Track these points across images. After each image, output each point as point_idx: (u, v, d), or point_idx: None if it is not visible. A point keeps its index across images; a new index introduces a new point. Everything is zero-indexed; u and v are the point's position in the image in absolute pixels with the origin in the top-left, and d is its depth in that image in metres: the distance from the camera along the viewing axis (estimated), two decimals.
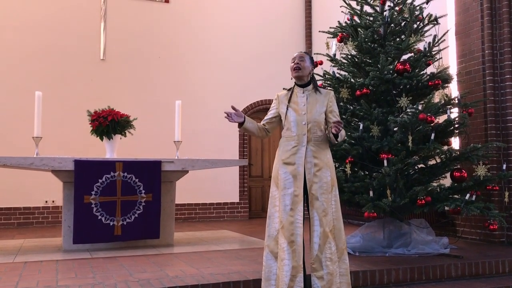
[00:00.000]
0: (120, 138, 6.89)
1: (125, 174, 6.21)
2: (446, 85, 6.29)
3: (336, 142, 4.16)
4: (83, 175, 6.05)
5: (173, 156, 7.44)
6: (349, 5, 6.58)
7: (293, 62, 4.31)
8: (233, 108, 4.20)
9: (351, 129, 6.00)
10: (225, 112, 4.16)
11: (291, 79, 4.41)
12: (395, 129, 5.88)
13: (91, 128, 6.77)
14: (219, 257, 5.60)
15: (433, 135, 5.69)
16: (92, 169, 6.10)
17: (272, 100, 4.48)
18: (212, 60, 11.07)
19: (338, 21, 6.63)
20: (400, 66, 5.92)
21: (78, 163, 6.05)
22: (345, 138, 4.14)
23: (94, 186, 6.07)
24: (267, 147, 11.50)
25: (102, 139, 6.79)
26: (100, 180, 6.10)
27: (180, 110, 6.97)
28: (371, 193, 5.53)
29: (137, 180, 6.25)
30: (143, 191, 6.27)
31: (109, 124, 6.64)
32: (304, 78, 4.33)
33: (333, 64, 6.39)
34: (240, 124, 4.28)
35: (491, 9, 6.98)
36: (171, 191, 6.70)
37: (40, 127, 6.39)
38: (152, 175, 6.32)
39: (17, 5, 9.75)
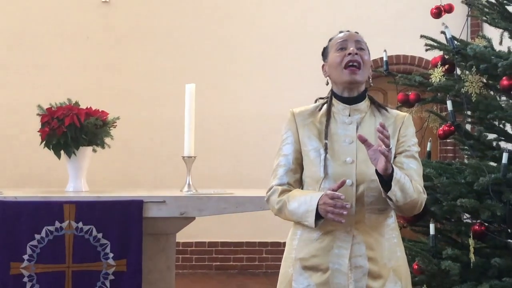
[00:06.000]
0: (95, 151, 4.68)
1: (80, 225, 4.08)
2: None
3: (393, 201, 2.48)
4: (9, 227, 4.07)
5: (181, 182, 4.97)
6: None
7: (342, 50, 2.68)
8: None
9: (486, 160, 4.22)
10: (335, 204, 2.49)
11: (327, 84, 2.80)
12: None
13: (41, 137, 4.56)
14: None
15: None
16: (24, 217, 4.07)
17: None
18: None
19: None
20: None
21: (2, 205, 4.02)
22: (414, 196, 2.48)
23: (28, 247, 4.08)
24: None
25: (59, 157, 4.57)
26: (37, 236, 4.07)
27: (193, 98, 4.51)
28: None
29: (100, 235, 4.12)
30: (112, 255, 4.13)
31: (66, 131, 4.36)
32: (359, 87, 2.73)
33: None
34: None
35: None
36: (167, 252, 4.35)
37: None
38: (127, 226, 4.16)
39: None
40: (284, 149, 2.75)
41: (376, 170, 2.44)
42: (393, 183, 2.41)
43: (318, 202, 2.50)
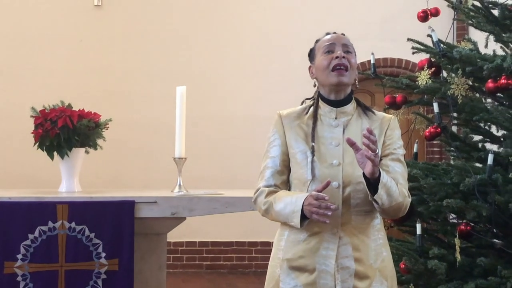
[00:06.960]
0: (87, 152, 4.60)
1: (73, 225, 4.03)
2: None
3: (379, 204, 2.47)
4: (3, 227, 4.02)
5: (172, 183, 4.93)
6: None
7: (330, 53, 2.63)
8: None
9: (472, 161, 4.16)
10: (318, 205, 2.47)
11: (314, 86, 2.76)
12: None
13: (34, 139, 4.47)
14: None
15: None
16: (17, 217, 4.02)
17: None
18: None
19: None
20: None
21: None
22: (400, 200, 2.45)
23: (22, 246, 4.02)
24: None
25: (52, 158, 4.49)
26: (31, 236, 4.02)
27: (183, 99, 4.49)
28: None
29: (92, 235, 4.07)
30: (104, 255, 4.08)
31: (59, 133, 4.27)
32: (346, 89, 2.69)
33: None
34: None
35: None
36: (159, 252, 4.32)
37: None
38: (118, 226, 4.11)
39: None
40: (271, 151, 2.73)
41: (363, 173, 2.44)
42: (380, 187, 2.41)
43: (303, 203, 2.49)
